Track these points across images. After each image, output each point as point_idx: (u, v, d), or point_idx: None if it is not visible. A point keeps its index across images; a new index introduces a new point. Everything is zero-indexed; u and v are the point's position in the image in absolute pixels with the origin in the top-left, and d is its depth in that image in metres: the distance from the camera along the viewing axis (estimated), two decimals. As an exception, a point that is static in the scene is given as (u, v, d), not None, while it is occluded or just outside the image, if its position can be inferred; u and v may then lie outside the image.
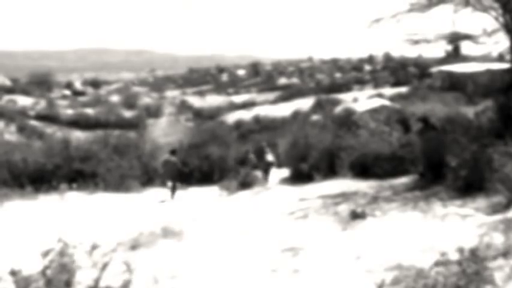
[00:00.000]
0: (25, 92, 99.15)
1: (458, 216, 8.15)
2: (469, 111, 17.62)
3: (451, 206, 8.87)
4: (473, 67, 48.67)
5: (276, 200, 12.84)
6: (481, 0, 13.65)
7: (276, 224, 9.74)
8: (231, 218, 11.11)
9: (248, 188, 16.36)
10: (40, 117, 79.64)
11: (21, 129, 66.78)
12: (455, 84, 49.42)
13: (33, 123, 74.16)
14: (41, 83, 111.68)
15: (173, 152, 17.34)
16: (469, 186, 9.51)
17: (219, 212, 12.22)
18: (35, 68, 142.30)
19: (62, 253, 5.03)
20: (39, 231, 10.81)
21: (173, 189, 16.35)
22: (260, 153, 19.75)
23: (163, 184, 18.75)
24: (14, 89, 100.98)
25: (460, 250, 5.21)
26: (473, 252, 5.22)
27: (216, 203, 14.36)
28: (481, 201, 8.79)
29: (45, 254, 5.04)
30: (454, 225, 7.68)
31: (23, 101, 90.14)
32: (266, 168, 19.06)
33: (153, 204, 14.87)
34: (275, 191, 15.23)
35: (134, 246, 8.50)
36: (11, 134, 61.95)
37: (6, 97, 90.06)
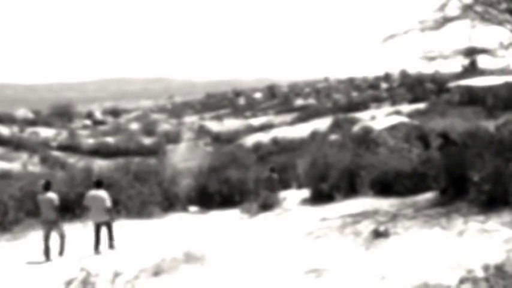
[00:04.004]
0: (47, 124, 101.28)
1: (484, 231, 7.99)
2: (490, 125, 17.38)
3: (476, 221, 8.70)
4: (491, 81, 48.21)
5: (298, 221, 12.75)
6: (497, 14, 13.57)
7: (298, 245, 9.67)
8: (253, 240, 11.06)
9: (269, 210, 16.29)
10: (62, 147, 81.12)
11: (44, 160, 67.92)
12: (474, 98, 48.94)
13: (56, 153, 75.39)
14: (62, 114, 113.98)
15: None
16: (493, 201, 9.34)
17: (240, 235, 12.17)
18: (56, 99, 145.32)
19: (84, 282, 5.08)
20: (62, 259, 10.95)
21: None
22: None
23: (184, 209, 18.81)
24: (36, 121, 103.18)
25: (487, 267, 5.10)
26: (501, 268, 5.10)
27: (238, 226, 14.30)
28: (506, 216, 8.62)
29: (68, 283, 5.09)
30: (479, 241, 7.53)
31: (45, 132, 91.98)
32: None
33: (175, 229, 14.89)
34: (296, 212, 15.13)
35: (157, 273, 8.49)
36: (34, 165, 63.04)
37: (29, 129, 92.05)
